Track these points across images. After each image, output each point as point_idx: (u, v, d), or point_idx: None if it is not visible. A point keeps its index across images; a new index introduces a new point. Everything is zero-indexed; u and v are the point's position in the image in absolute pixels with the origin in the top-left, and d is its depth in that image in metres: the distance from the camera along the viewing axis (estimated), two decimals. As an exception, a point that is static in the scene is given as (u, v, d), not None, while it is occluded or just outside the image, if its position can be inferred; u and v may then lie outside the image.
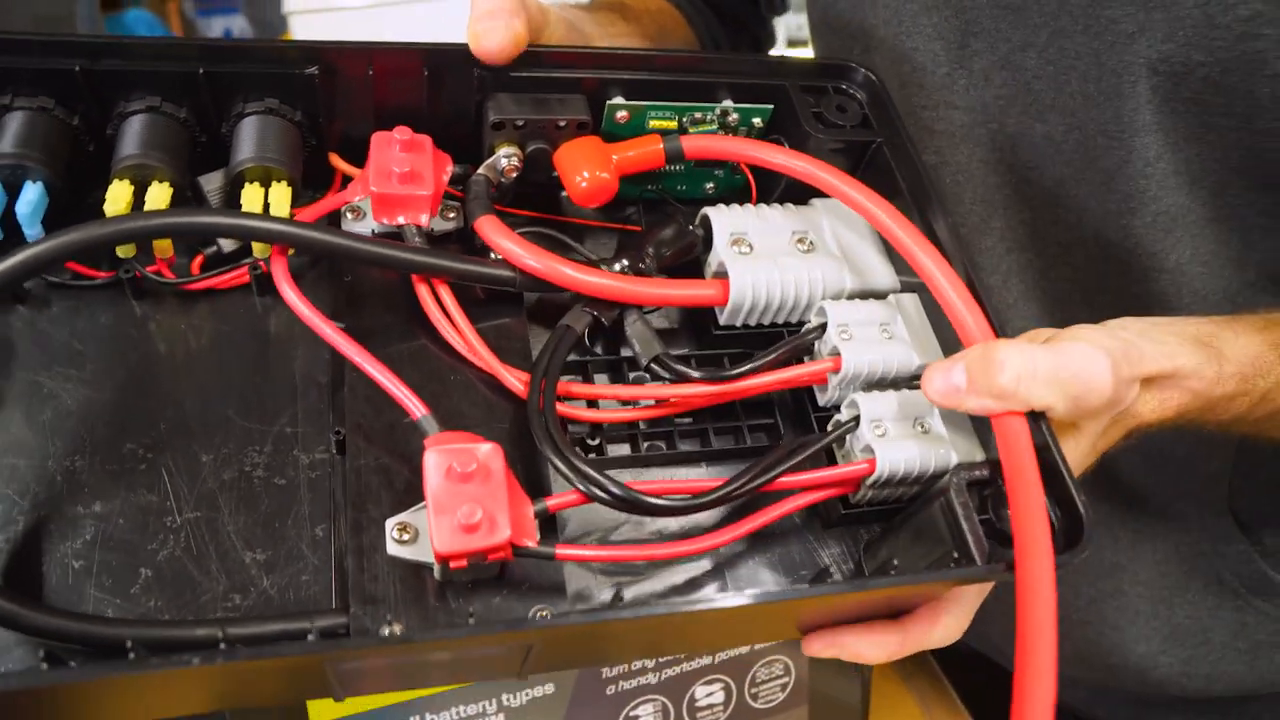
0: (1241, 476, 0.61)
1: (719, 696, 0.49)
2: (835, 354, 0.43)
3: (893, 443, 0.41)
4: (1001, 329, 0.41)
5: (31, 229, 0.41)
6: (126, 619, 0.36)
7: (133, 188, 0.41)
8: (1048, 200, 0.56)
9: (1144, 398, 0.42)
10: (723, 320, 0.45)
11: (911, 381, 0.43)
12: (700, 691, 0.49)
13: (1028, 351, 0.37)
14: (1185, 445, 0.47)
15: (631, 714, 0.49)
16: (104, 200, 0.41)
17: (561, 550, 0.37)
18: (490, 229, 0.43)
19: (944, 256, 0.43)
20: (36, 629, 0.34)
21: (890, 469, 0.40)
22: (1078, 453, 0.41)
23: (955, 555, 0.37)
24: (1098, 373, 0.38)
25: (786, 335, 0.46)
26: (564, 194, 0.48)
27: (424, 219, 0.44)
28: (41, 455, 0.39)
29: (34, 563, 0.37)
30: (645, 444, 0.44)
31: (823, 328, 0.44)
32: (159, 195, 0.41)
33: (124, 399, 0.41)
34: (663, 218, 0.48)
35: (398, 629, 0.36)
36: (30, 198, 0.40)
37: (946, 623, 0.40)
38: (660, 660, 0.48)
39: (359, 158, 0.46)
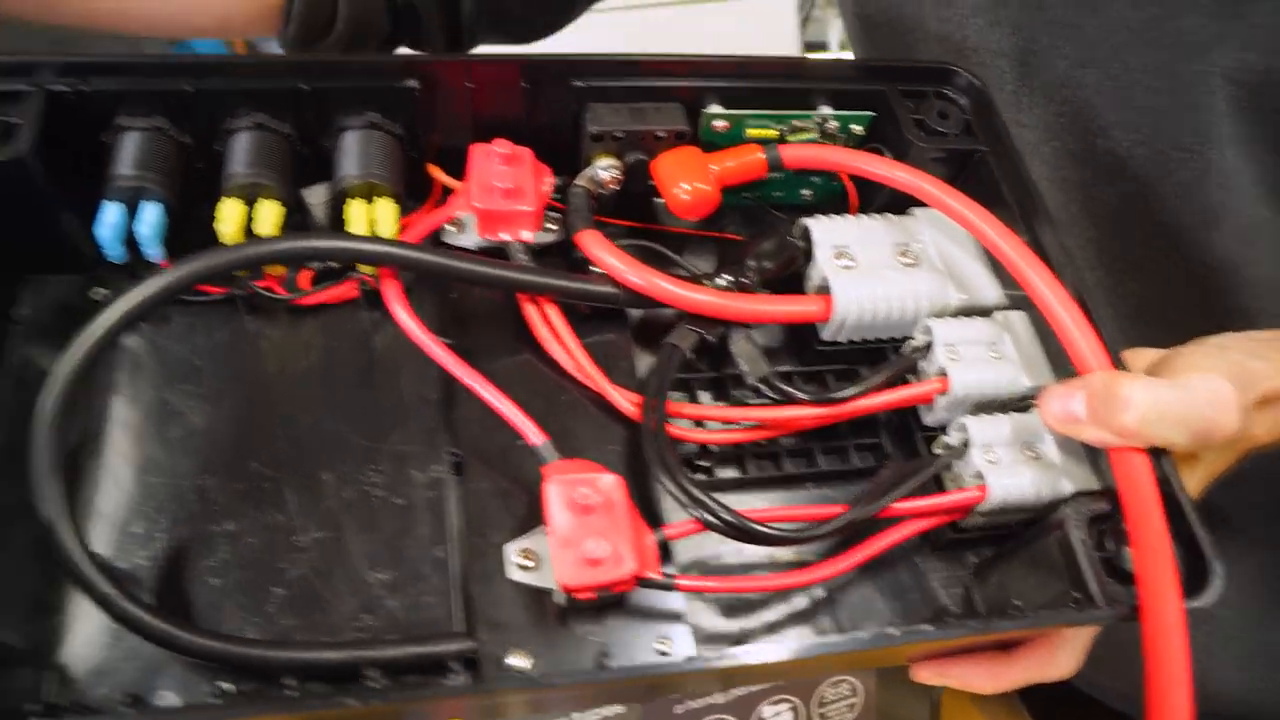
0: None
1: (786, 717, 0.50)
2: (942, 374, 0.43)
3: (1005, 469, 0.41)
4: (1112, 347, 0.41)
5: (152, 248, 0.41)
6: (274, 641, 0.37)
7: (243, 206, 0.42)
8: (1114, 216, 0.56)
9: (1259, 419, 0.42)
10: (825, 336, 0.45)
11: (1020, 403, 0.44)
12: (768, 711, 0.50)
13: (1153, 389, 0.37)
14: (1269, 458, 0.47)
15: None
16: (214, 217, 0.41)
17: (682, 581, 0.38)
18: (593, 244, 0.43)
19: (1054, 275, 0.43)
20: (192, 651, 0.35)
21: (1003, 497, 0.41)
22: (1193, 482, 0.41)
23: (1075, 594, 0.37)
24: (1225, 407, 0.37)
25: (891, 352, 0.46)
26: (660, 202, 0.47)
27: (527, 234, 0.44)
28: (174, 473, 0.40)
29: (177, 581, 0.39)
30: (752, 465, 0.44)
31: (928, 346, 0.44)
32: (268, 213, 0.41)
33: (244, 415, 0.42)
34: (763, 228, 0.47)
35: (525, 659, 0.37)
36: (150, 218, 0.41)
37: (1060, 659, 0.40)
38: (730, 680, 0.49)
39: (457, 168, 0.46)
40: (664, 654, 0.38)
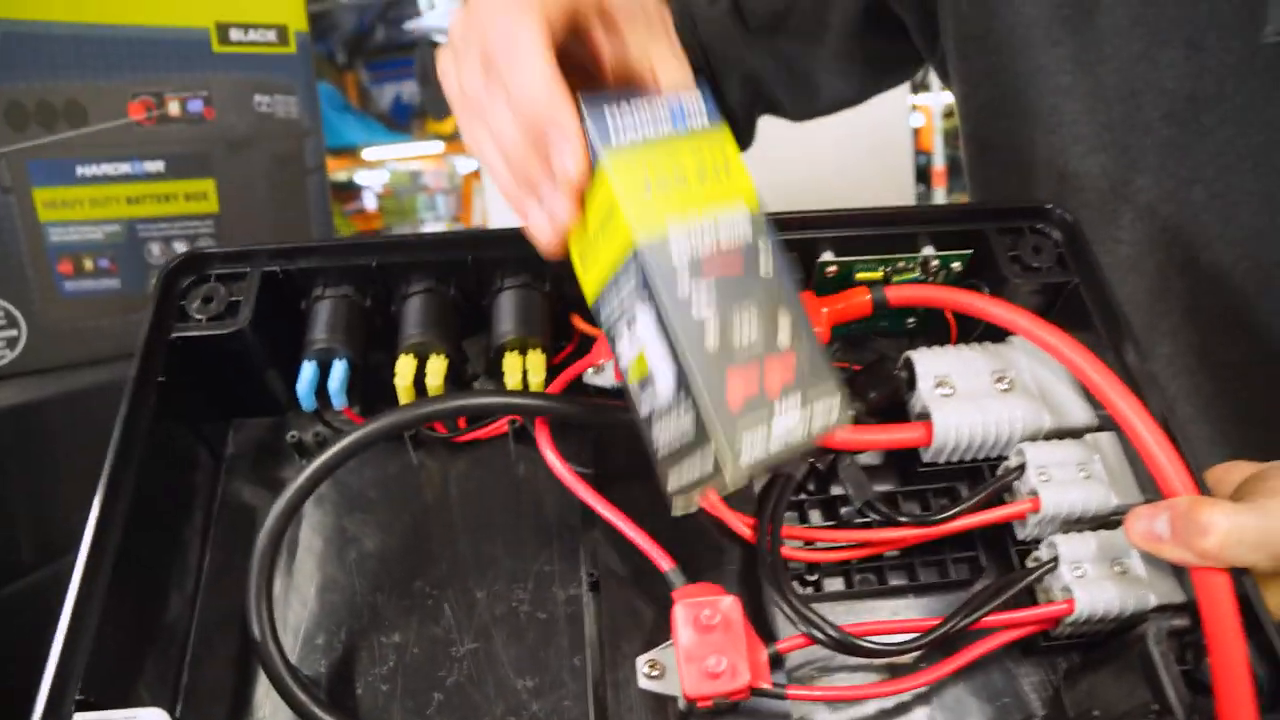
0: None
1: None
2: (1034, 494, 0.46)
3: (1091, 584, 0.44)
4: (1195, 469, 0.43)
5: (339, 400, 0.49)
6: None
7: (416, 361, 0.49)
8: (1217, 326, 0.58)
9: None
10: (926, 459, 0.49)
11: (1109, 519, 0.46)
12: None
13: (1234, 516, 0.39)
14: None
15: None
16: (393, 372, 0.49)
17: (793, 691, 0.42)
18: (713, 383, 0.49)
19: (1140, 400, 0.46)
20: (363, 749, 0.42)
21: (1089, 611, 0.43)
22: (1277, 599, 0.43)
23: (1155, 706, 0.40)
24: None
25: (987, 470, 0.50)
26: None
27: (656, 377, 0.50)
28: (350, 591, 0.48)
29: (351, 685, 0.45)
30: (858, 577, 0.48)
31: (1021, 468, 0.47)
32: (436, 368, 0.49)
33: (409, 540, 0.49)
34: (870, 360, 0.52)
35: (649, 755, 0.42)
36: (338, 375, 0.48)
37: None
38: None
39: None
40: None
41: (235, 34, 0.68)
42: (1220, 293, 0.57)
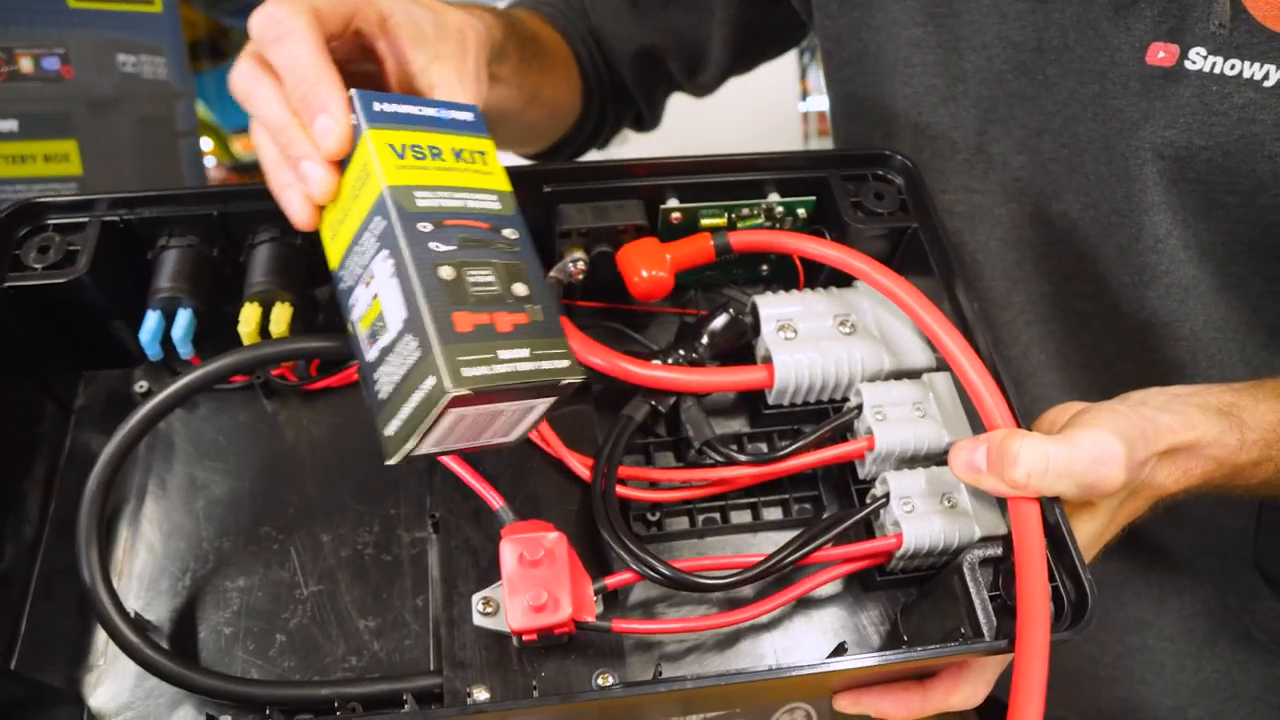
0: (1266, 533, 0.62)
1: None
2: (870, 433, 0.47)
3: (920, 518, 0.45)
4: (1026, 402, 0.45)
5: (184, 348, 0.49)
6: (268, 680, 0.44)
7: (260, 309, 0.49)
8: (1067, 274, 0.59)
9: (1166, 469, 0.45)
10: (770, 401, 0.50)
11: (942, 457, 0.47)
12: None
13: (1041, 446, 0.41)
14: (1207, 503, 0.50)
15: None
16: (238, 319, 0.49)
17: (618, 624, 0.43)
18: (560, 328, 0.49)
19: (969, 340, 0.47)
20: (200, 689, 0.42)
21: (916, 544, 0.45)
22: (1094, 526, 0.45)
23: (964, 629, 0.41)
24: (1109, 462, 0.41)
25: (831, 412, 0.51)
26: (634, 283, 0.53)
27: (502, 323, 0.50)
28: (197, 538, 0.48)
29: (193, 630, 0.46)
30: (701, 518, 0.49)
31: (860, 408, 0.48)
32: (282, 315, 0.49)
33: (259, 487, 0.49)
34: (718, 305, 0.53)
35: (483, 692, 0.43)
36: (182, 323, 0.48)
37: (965, 689, 0.44)
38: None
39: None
40: (602, 686, 0.43)
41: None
42: (1069, 241, 0.58)
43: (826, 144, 1.32)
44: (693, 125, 0.90)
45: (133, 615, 0.44)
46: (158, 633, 0.45)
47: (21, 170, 0.66)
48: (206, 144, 1.15)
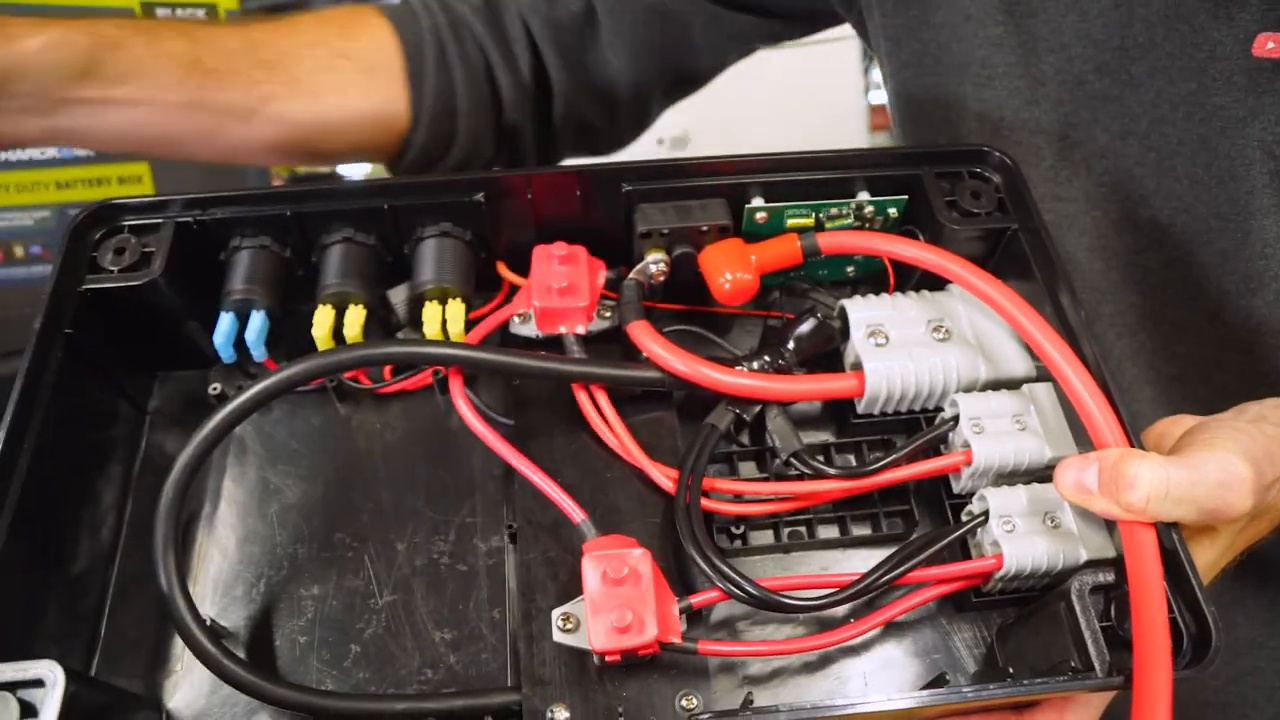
0: None
1: None
2: (967, 447, 0.45)
3: (1021, 539, 0.43)
4: (1129, 421, 0.42)
5: (257, 351, 0.48)
6: (343, 693, 0.43)
7: (334, 311, 0.48)
8: (1157, 283, 0.56)
9: None
10: (860, 410, 0.48)
11: (1044, 473, 0.45)
12: None
13: (1161, 468, 0.38)
14: None
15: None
16: (311, 321, 0.48)
17: (704, 645, 0.41)
18: (640, 334, 0.48)
19: (1074, 349, 0.44)
20: (275, 700, 0.41)
21: (1018, 566, 0.42)
22: (1214, 553, 0.42)
23: (1074, 661, 0.39)
24: (1235, 486, 0.38)
25: (924, 421, 0.48)
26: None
27: (581, 327, 0.49)
28: (271, 543, 0.47)
29: (269, 638, 0.45)
30: (787, 531, 0.47)
31: (956, 420, 0.46)
32: (355, 318, 0.48)
33: (332, 492, 0.49)
34: (804, 308, 0.50)
35: (564, 711, 0.41)
36: (256, 325, 0.47)
37: None
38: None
39: (524, 264, 0.51)
40: (686, 710, 0.41)
41: (162, 12, 0.67)
42: (1159, 249, 0.56)
43: (883, 140, 1.27)
44: (752, 126, 0.87)
45: (208, 622, 0.43)
46: (233, 640, 0.45)
47: (96, 194, 0.67)
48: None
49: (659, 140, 0.86)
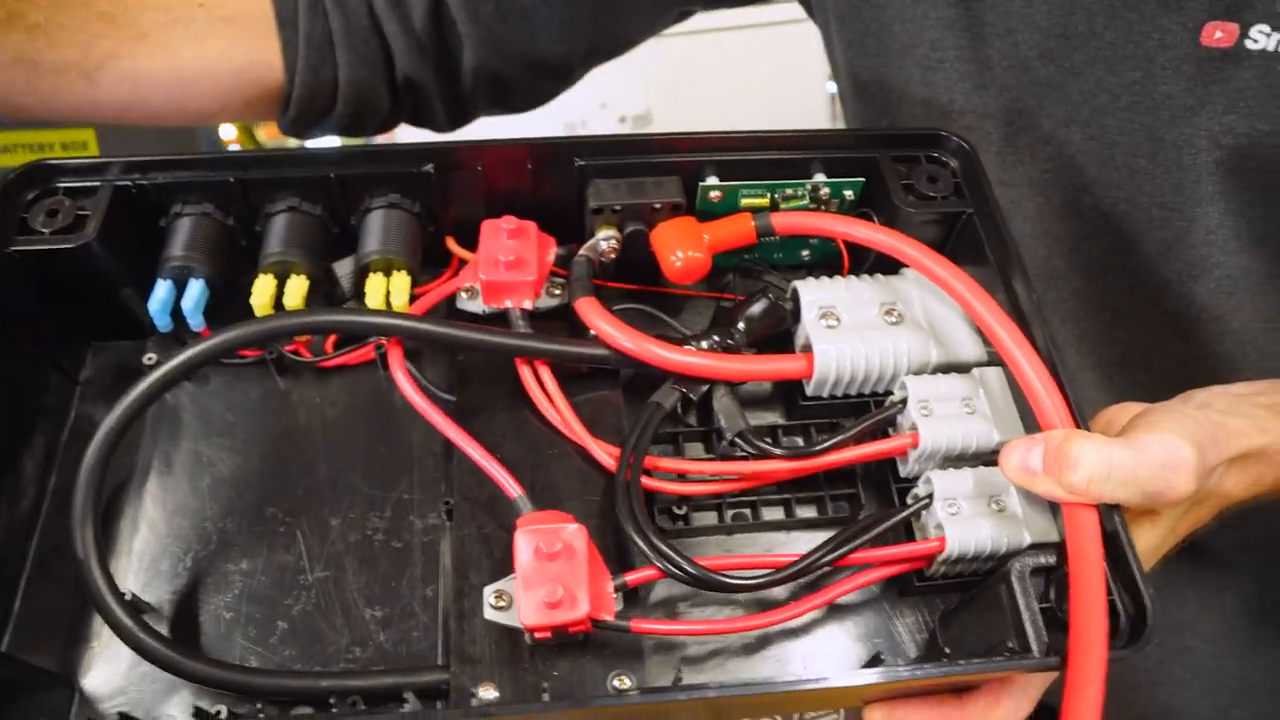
0: None
1: None
2: (914, 429, 0.44)
3: (965, 521, 0.42)
4: (1076, 405, 0.41)
5: (194, 320, 0.47)
6: (265, 670, 0.42)
7: (276, 281, 0.47)
8: (1099, 270, 0.57)
9: (1236, 476, 0.42)
10: (809, 392, 0.47)
11: (991, 456, 0.44)
12: None
13: (1104, 449, 0.38)
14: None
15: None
16: (251, 291, 0.47)
17: (637, 624, 0.40)
18: (588, 310, 0.47)
19: (1025, 334, 0.43)
20: (192, 675, 0.40)
21: (960, 548, 0.41)
22: (1155, 536, 0.41)
23: (1012, 643, 0.38)
24: (1178, 468, 0.38)
25: (874, 405, 0.48)
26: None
27: (528, 302, 0.48)
28: (201, 517, 0.46)
29: (193, 613, 0.44)
30: (730, 513, 0.46)
31: (904, 402, 0.45)
32: (297, 288, 0.47)
33: (268, 466, 0.47)
34: (757, 289, 0.50)
35: (492, 690, 0.40)
36: (194, 294, 0.46)
37: (1007, 705, 0.40)
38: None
39: (473, 239, 0.50)
40: (618, 689, 0.40)
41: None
42: (1101, 236, 0.56)
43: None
44: (716, 107, 0.86)
45: (129, 596, 0.42)
46: (155, 615, 0.43)
47: (39, 159, 0.65)
48: (229, 131, 1.12)
49: (620, 118, 0.85)
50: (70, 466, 0.46)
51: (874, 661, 0.41)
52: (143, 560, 0.45)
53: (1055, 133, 0.54)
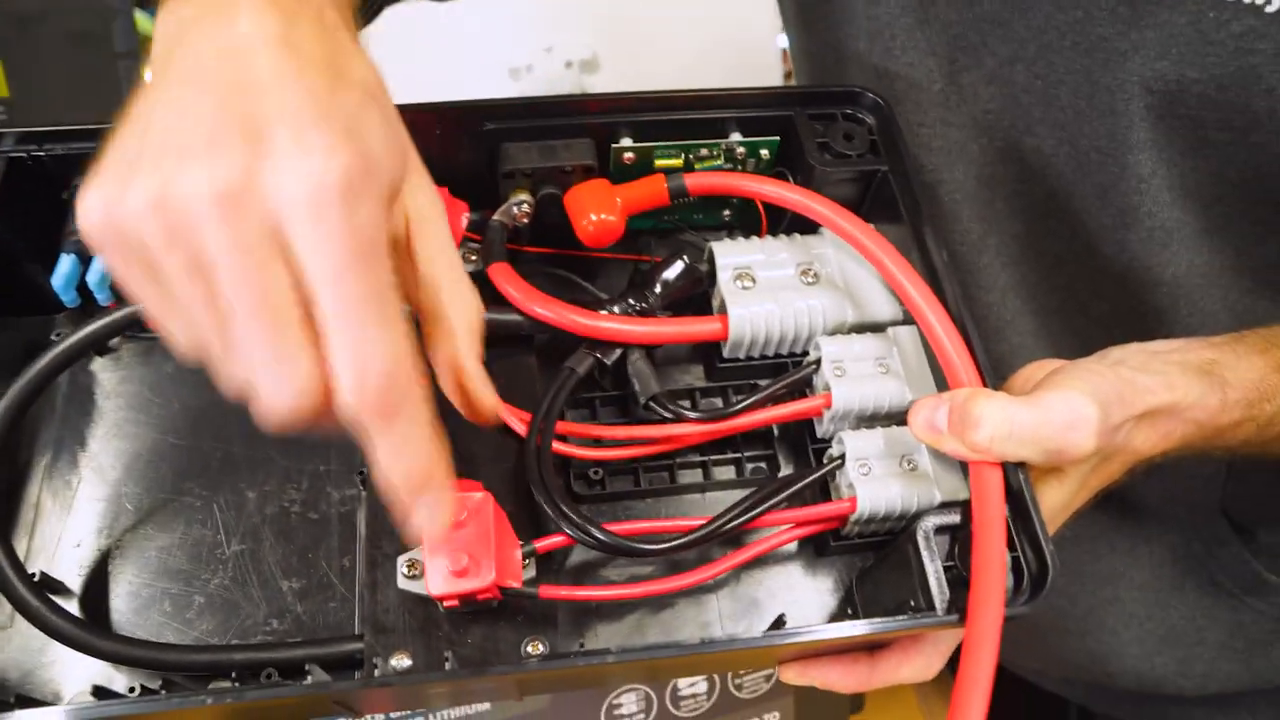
0: (1235, 480, 0.60)
1: (702, 687, 0.51)
2: (828, 390, 0.44)
3: (875, 481, 0.42)
4: (1004, 350, 0.41)
5: (101, 295, 0.46)
6: (178, 645, 0.42)
7: (183, 253, 0.46)
8: (1040, 214, 0.56)
9: (1144, 433, 0.42)
10: (726, 354, 0.47)
11: (905, 415, 0.44)
12: (683, 682, 0.51)
13: (1006, 408, 0.38)
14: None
15: (615, 703, 0.51)
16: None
17: (546, 590, 0.40)
18: (500, 276, 0.46)
19: (935, 292, 0.43)
20: (100, 653, 0.40)
21: (871, 508, 0.42)
22: (1063, 493, 0.42)
23: (915, 601, 0.38)
24: (1080, 426, 0.38)
25: (791, 366, 0.48)
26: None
27: (440, 270, 0.47)
28: (116, 493, 0.46)
29: (107, 591, 0.44)
30: (648, 477, 0.46)
31: (819, 363, 0.45)
32: (205, 259, 0.46)
33: (184, 441, 0.47)
34: (674, 251, 0.49)
35: (405, 659, 0.40)
36: (99, 268, 0.45)
37: (918, 662, 0.41)
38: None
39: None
40: (531, 655, 0.40)
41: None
42: (1041, 179, 0.55)
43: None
44: (659, 63, 0.85)
45: (37, 575, 0.42)
46: (68, 594, 0.43)
47: None
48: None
49: (567, 63, 0.83)
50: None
51: (778, 623, 0.41)
52: (54, 539, 0.44)
53: (1000, 71, 0.53)
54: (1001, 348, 0.58)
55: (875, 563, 0.44)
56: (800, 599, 0.45)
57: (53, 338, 0.48)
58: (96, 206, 0.29)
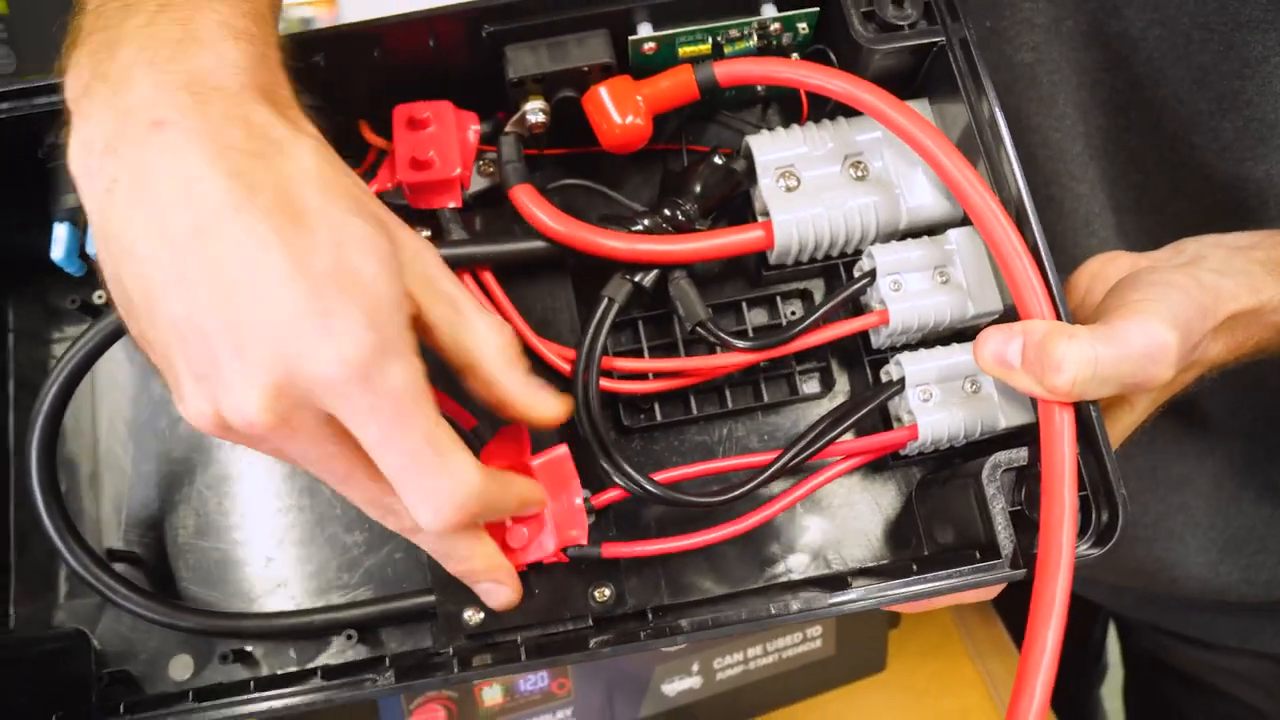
0: None
1: None
2: (884, 306, 0.42)
3: (937, 409, 0.41)
4: (1091, 247, 0.38)
5: (106, 261, 0.43)
6: (254, 614, 0.43)
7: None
8: (1121, 104, 0.50)
9: (1221, 341, 0.39)
10: (772, 261, 0.44)
11: (968, 326, 0.42)
12: None
13: (1089, 347, 0.35)
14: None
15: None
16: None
17: (606, 548, 0.40)
18: (524, 198, 0.43)
19: (1001, 203, 0.39)
20: (192, 630, 0.42)
21: (933, 436, 0.41)
22: (1131, 419, 0.40)
23: (978, 540, 0.38)
24: (1160, 358, 0.36)
25: (843, 269, 0.45)
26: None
27: (454, 202, 0.44)
28: (169, 458, 0.45)
29: (174, 556, 0.45)
30: (697, 400, 0.45)
31: (873, 274, 0.42)
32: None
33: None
34: (706, 154, 0.45)
35: (477, 613, 0.41)
36: (98, 235, 0.43)
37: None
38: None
39: (388, 122, 0.45)
40: (599, 602, 0.41)
41: None
42: (1126, 66, 0.49)
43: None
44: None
45: (109, 552, 0.43)
46: (137, 565, 0.44)
47: None
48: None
49: None
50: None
51: (840, 582, 0.41)
52: (117, 510, 0.45)
53: None
54: (1090, 242, 0.54)
55: (937, 481, 0.43)
56: (859, 514, 0.45)
57: (68, 304, 0.46)
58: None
